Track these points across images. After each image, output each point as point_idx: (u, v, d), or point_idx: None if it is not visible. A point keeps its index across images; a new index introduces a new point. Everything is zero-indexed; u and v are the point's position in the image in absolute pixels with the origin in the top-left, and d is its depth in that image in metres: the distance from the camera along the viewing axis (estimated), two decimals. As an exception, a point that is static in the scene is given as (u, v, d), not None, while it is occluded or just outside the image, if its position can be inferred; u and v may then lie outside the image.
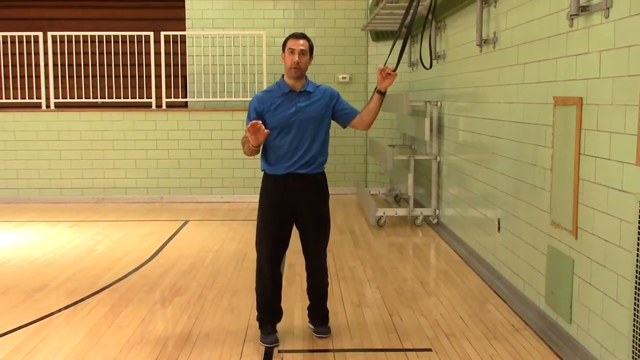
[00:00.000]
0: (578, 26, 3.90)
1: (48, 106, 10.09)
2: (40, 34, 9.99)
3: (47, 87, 10.07)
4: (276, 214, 4.20)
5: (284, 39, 4.24)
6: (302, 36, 4.15)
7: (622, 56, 3.36)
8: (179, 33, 10.31)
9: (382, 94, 4.17)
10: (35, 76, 10.13)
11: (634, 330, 3.23)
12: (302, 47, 4.07)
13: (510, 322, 4.64)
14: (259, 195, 4.29)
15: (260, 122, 3.90)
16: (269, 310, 4.32)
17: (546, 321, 4.37)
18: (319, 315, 4.43)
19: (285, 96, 4.14)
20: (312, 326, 4.45)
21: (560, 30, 4.15)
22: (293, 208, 4.21)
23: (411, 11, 4.54)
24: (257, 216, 4.29)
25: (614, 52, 3.46)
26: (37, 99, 10.12)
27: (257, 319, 4.35)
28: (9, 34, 10.09)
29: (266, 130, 3.91)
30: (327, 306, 4.48)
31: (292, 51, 4.08)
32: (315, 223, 4.28)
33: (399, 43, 4.56)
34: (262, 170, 4.26)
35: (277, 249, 4.25)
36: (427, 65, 7.16)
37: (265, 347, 4.18)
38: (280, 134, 4.11)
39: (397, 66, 4.19)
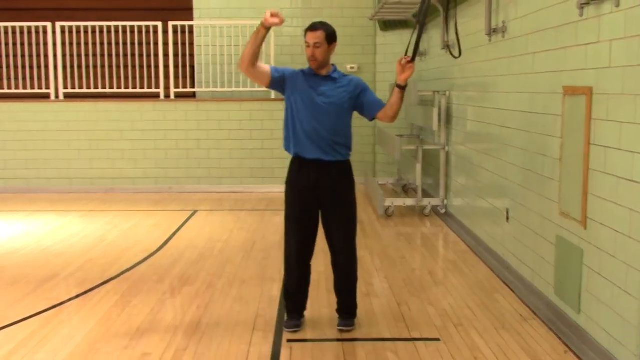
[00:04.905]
0: (588, 15, 3.88)
1: (57, 96, 10.13)
2: (48, 25, 10.02)
3: (56, 78, 10.11)
4: (302, 200, 4.25)
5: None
6: (317, 27, 4.19)
7: (633, 45, 3.34)
8: (186, 23, 10.30)
9: (401, 87, 4.17)
10: (44, 67, 10.15)
11: (643, 320, 3.23)
12: (316, 40, 4.15)
13: (519, 312, 4.64)
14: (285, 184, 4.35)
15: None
16: (293, 299, 4.40)
17: (555, 311, 4.37)
18: (344, 308, 4.42)
19: (312, 77, 4.22)
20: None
21: (570, 19, 4.12)
22: (317, 195, 4.23)
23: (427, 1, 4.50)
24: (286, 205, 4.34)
25: (625, 42, 3.44)
26: (46, 89, 10.15)
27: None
28: (17, 24, 10.12)
29: (283, 17, 4.06)
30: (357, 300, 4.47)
31: (307, 45, 4.18)
32: (340, 212, 4.27)
33: (416, 33, 4.50)
34: (293, 154, 4.29)
35: (307, 240, 4.34)
36: (456, 54, 6.87)
37: (287, 331, 4.26)
38: (301, 112, 4.16)
39: (414, 57, 4.18)
